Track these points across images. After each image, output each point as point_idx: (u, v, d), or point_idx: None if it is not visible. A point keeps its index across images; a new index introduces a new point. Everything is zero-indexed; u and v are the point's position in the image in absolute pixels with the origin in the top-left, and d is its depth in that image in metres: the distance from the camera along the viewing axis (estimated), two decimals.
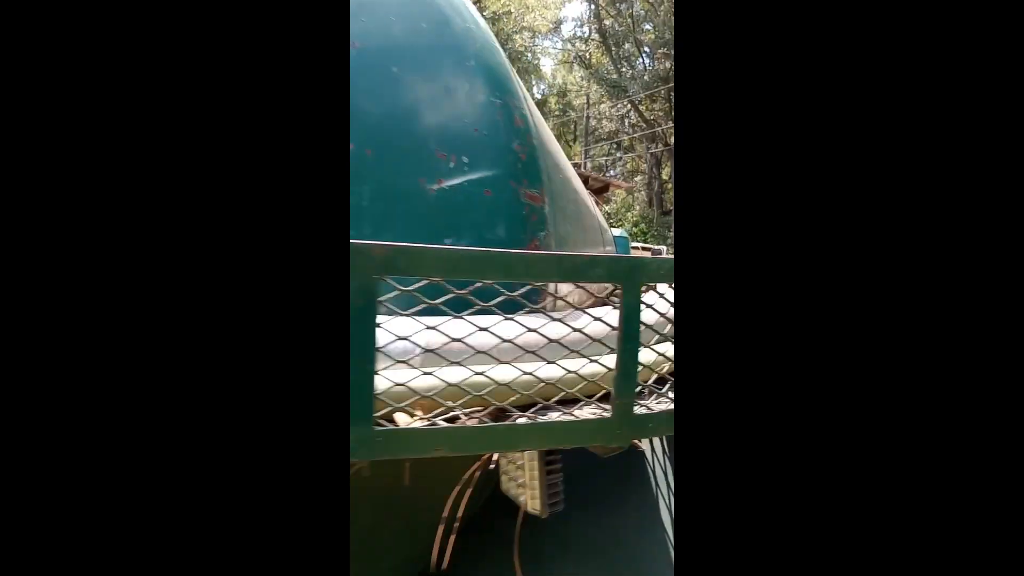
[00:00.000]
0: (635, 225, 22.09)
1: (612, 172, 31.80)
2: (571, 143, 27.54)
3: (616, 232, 6.12)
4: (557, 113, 28.77)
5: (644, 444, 1.73)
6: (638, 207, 26.79)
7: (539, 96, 29.08)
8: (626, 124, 27.84)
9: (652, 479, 1.66)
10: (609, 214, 21.99)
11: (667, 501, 1.60)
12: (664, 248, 7.27)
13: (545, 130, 1.58)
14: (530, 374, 0.78)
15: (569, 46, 28.00)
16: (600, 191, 10.67)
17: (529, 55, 26.14)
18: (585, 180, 10.01)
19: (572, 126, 28.82)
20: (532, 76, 27.94)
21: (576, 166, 13.85)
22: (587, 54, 26.68)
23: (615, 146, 29.23)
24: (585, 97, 27.96)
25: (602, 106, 27.72)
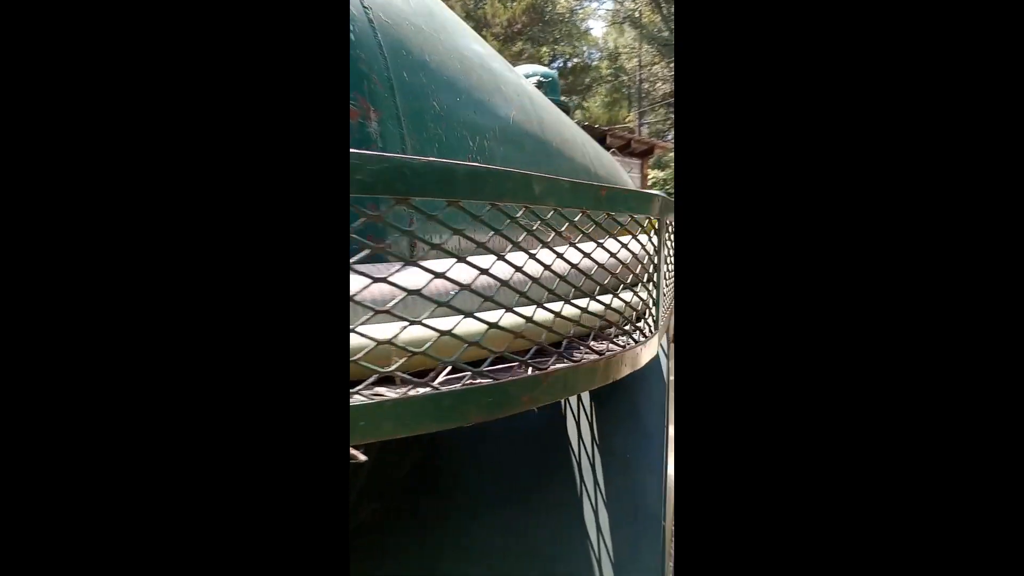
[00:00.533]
0: None
1: (670, 136, 30.37)
2: (627, 108, 26.42)
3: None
4: (609, 78, 27.69)
5: (571, 425, 1.41)
6: None
7: (591, 62, 28.09)
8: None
9: (576, 472, 1.34)
10: (664, 180, 21.04)
11: (592, 500, 1.28)
12: None
13: (424, 34, 1.25)
14: None
15: (618, 5, 26.69)
16: (645, 154, 10.03)
17: (576, 19, 25.10)
18: (627, 143, 9.41)
19: (625, 91, 27.64)
20: (582, 41, 26.94)
21: (629, 132, 13.10)
22: (637, 12, 25.33)
23: (670, 108, 27.79)
24: (637, 60, 26.65)
25: (655, 67, 26.36)
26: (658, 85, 27.18)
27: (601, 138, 8.68)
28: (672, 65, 25.11)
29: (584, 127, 8.51)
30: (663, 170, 23.77)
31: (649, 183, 17.17)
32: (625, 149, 9.28)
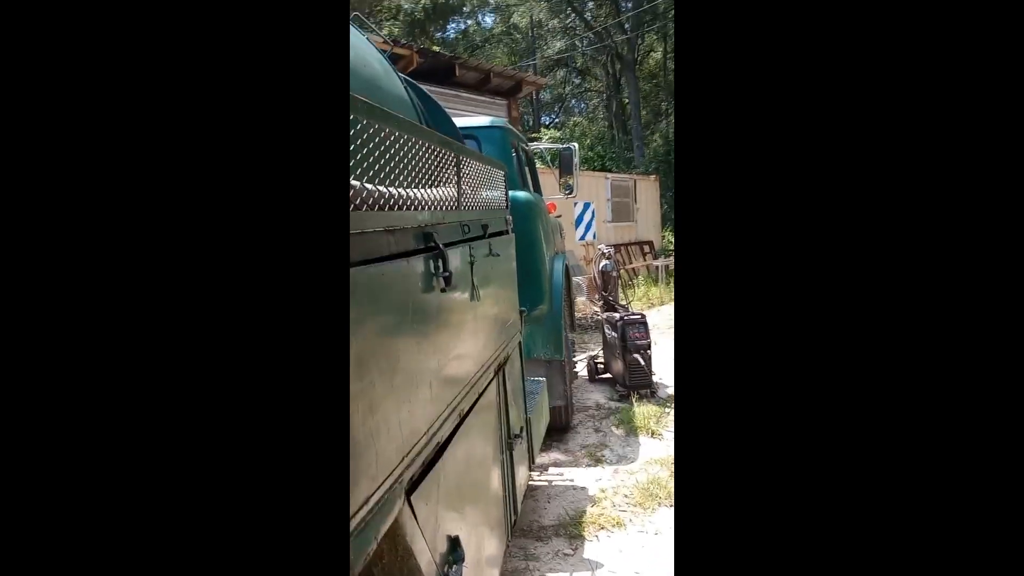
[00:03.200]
0: (591, 149, 19.81)
1: (573, 100, 29.41)
2: (508, 59, 24.68)
3: (479, 120, 3.88)
4: (502, 36, 25.88)
5: None
6: (596, 130, 24.39)
7: (490, 24, 26.25)
8: (576, 41, 25.00)
9: None
10: (562, 140, 19.69)
11: None
12: (575, 145, 5.10)
13: None
14: None
15: None
16: (511, 92, 8.34)
17: None
18: (485, 77, 7.69)
19: (515, 47, 25.91)
20: (473, 1, 25.02)
21: (490, 65, 11.31)
22: None
23: (570, 69, 26.59)
24: (529, 17, 24.98)
25: (550, 23, 24.88)
26: (551, 42, 25.67)
27: (449, 69, 6.92)
28: (565, 21, 23.73)
29: (423, 50, 6.81)
30: (560, 129, 22.33)
31: (543, 142, 15.56)
32: (484, 85, 7.56)
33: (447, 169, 1.32)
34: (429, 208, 1.15)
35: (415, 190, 1.11)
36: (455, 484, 1.27)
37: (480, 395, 1.54)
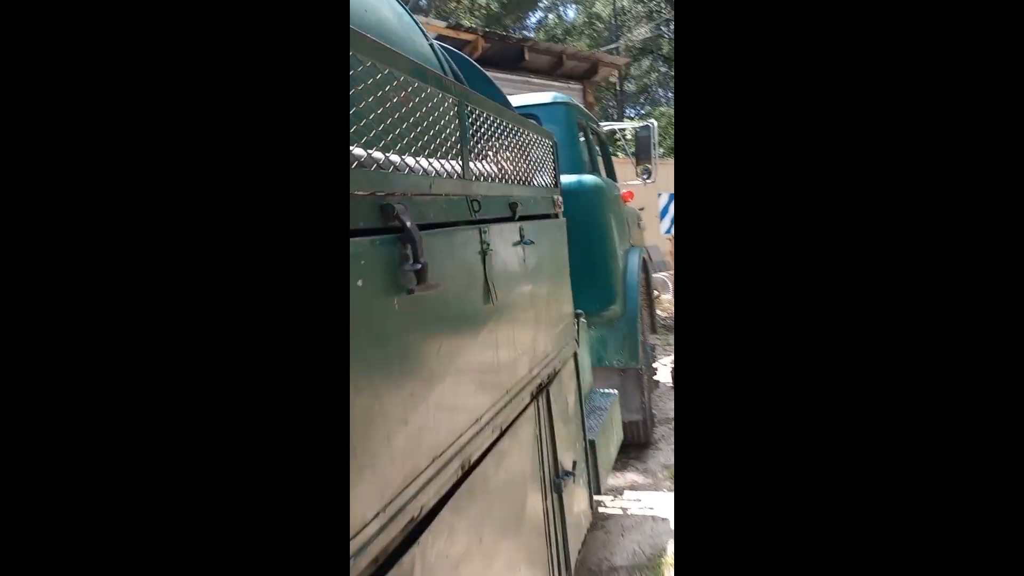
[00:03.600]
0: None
1: (660, 90, 28.12)
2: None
3: (538, 97, 3.46)
4: (583, 28, 25.27)
5: None
6: None
7: (572, 17, 25.79)
8: (661, 26, 23.88)
9: None
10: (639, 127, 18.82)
11: None
12: (653, 123, 4.55)
13: None
14: None
15: None
16: (586, 75, 7.82)
17: None
18: (557, 60, 7.23)
19: (597, 37, 25.18)
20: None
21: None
22: None
23: (655, 57, 25.45)
24: (612, 5, 24.24)
25: (634, 9, 23.96)
26: (635, 29, 24.73)
27: (518, 53, 6.55)
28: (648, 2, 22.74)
29: (488, 33, 6.46)
30: (645, 120, 21.34)
31: (625, 129, 14.84)
32: (556, 70, 7.10)
33: (439, 120, 0.94)
34: (391, 168, 0.77)
35: (372, 149, 0.73)
36: (452, 567, 0.89)
37: (503, 431, 1.15)
